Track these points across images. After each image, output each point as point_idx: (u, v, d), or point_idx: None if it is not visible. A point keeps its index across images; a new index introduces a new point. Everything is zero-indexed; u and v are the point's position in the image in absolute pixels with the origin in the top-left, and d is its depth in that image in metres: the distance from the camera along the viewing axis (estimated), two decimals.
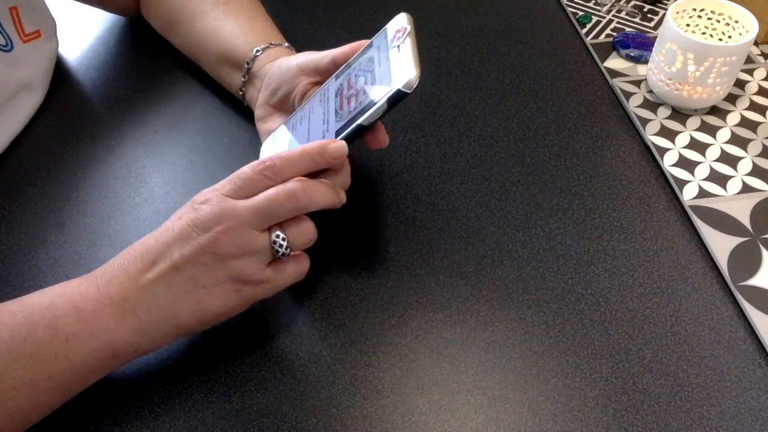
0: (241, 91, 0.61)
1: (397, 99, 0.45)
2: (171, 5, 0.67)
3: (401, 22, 0.49)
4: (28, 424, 0.41)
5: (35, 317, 0.40)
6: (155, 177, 0.60)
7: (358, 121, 0.47)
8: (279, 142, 0.54)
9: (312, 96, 0.54)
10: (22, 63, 0.62)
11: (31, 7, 0.63)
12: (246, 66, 0.59)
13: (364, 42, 0.52)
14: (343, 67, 0.53)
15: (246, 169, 0.44)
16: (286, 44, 0.61)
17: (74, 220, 0.56)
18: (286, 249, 0.44)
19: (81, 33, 0.76)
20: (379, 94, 0.46)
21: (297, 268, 0.46)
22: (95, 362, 0.41)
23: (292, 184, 0.44)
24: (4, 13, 0.60)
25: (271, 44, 0.60)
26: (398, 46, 0.48)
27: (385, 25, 0.51)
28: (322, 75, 0.54)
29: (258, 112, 0.59)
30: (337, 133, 0.48)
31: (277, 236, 0.44)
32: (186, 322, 0.43)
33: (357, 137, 0.48)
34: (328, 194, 0.46)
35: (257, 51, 0.59)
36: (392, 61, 0.47)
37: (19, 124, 0.63)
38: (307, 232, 0.45)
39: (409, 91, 0.45)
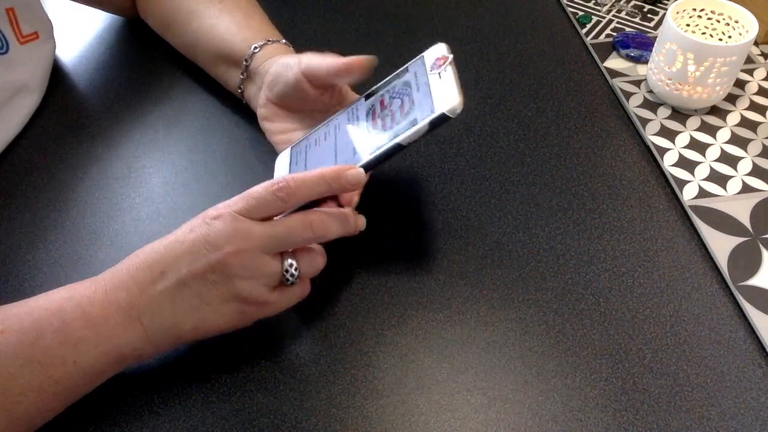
0: (240, 88, 0.61)
1: (438, 122, 0.47)
2: (166, 5, 0.67)
3: (441, 50, 0.51)
4: (33, 428, 0.41)
5: (43, 322, 0.40)
6: (155, 177, 0.60)
7: (397, 140, 0.47)
8: (298, 156, 0.54)
9: (338, 114, 0.55)
10: (18, 64, 0.62)
11: (28, 8, 0.63)
12: (244, 63, 0.59)
13: (363, 59, 0.52)
14: (373, 88, 0.54)
15: (260, 189, 0.44)
16: (284, 41, 0.61)
17: (74, 220, 0.56)
18: (296, 279, 0.44)
19: (79, 33, 0.76)
20: (421, 117, 0.47)
21: (301, 293, 0.47)
22: (101, 366, 0.41)
23: (310, 215, 0.45)
24: (1, 14, 0.60)
25: (269, 41, 0.60)
26: (439, 74, 0.49)
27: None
28: (329, 85, 0.55)
29: (261, 112, 0.58)
30: (372, 151, 0.48)
31: (290, 265, 0.44)
32: (187, 334, 0.43)
33: (391, 156, 0.48)
34: (342, 227, 0.47)
35: (255, 48, 0.59)
36: (433, 87, 0.49)
37: (16, 125, 0.63)
38: (317, 262, 0.46)
39: (452, 116, 0.46)
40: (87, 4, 0.72)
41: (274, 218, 0.45)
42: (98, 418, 0.44)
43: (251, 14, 0.64)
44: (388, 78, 0.54)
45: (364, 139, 0.50)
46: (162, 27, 0.69)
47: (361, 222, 0.49)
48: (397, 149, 0.48)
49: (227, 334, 0.48)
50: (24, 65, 0.63)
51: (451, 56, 0.50)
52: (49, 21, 0.67)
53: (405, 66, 0.53)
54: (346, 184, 0.46)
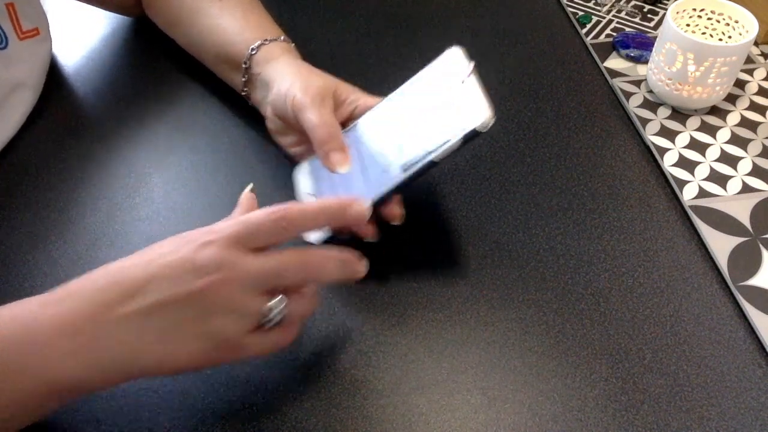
0: (244, 91, 0.61)
1: (471, 137, 0.45)
2: (172, 2, 0.66)
3: (458, 57, 0.49)
4: None
5: None
6: (155, 177, 0.60)
7: (430, 158, 0.46)
8: (320, 170, 0.52)
9: (357, 123, 0.53)
10: (17, 61, 0.61)
11: (29, 3, 0.62)
12: (243, 67, 0.58)
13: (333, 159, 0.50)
14: (391, 97, 0.52)
15: (260, 215, 0.40)
16: (282, 38, 0.60)
17: (74, 220, 0.56)
18: (278, 321, 0.40)
19: (79, 32, 0.76)
20: (452, 132, 0.46)
21: (281, 340, 0.41)
22: (40, 399, 0.36)
23: (308, 254, 0.41)
24: (1, 9, 0.60)
25: (266, 41, 0.58)
26: (462, 81, 0.47)
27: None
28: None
29: (270, 125, 0.57)
30: (405, 168, 0.47)
31: (275, 305, 0.40)
32: (147, 369, 0.38)
33: (424, 173, 0.47)
34: (341, 271, 0.43)
35: (252, 50, 0.58)
36: (458, 98, 0.47)
37: (15, 123, 0.62)
38: (306, 307, 0.42)
39: (484, 131, 0.45)
40: (88, 3, 0.72)
41: (271, 248, 0.41)
42: (98, 418, 0.44)
43: (250, 11, 0.63)
44: (404, 86, 0.52)
45: (392, 154, 0.49)
46: (167, 25, 0.68)
47: (361, 268, 0.44)
48: (431, 166, 0.47)
49: None
50: (23, 62, 0.62)
51: (472, 64, 0.48)
52: (46, 18, 0.66)
53: (420, 73, 0.51)
54: (350, 219, 0.44)
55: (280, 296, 0.40)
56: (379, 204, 0.49)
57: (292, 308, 0.41)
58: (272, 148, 0.60)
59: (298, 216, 0.41)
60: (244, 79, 0.59)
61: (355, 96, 0.54)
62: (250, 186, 0.47)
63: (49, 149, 0.62)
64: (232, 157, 0.61)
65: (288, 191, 0.56)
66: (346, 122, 0.54)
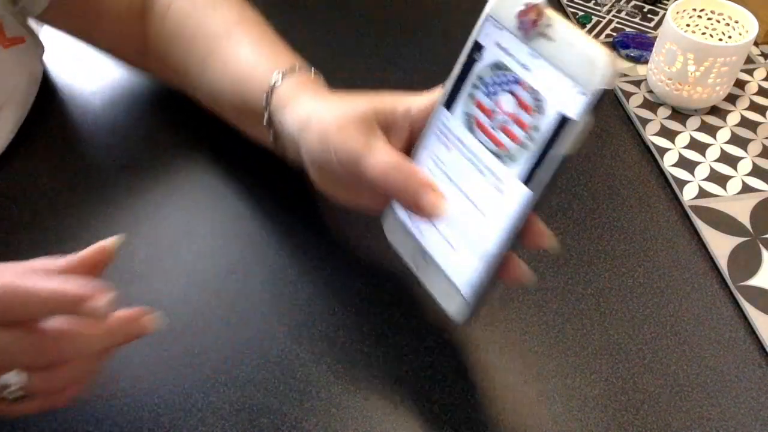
0: (277, 150, 0.50)
1: (597, 103, 0.33)
2: (174, 53, 0.57)
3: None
4: None
5: None
6: (155, 177, 0.60)
7: (562, 152, 0.33)
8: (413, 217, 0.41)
9: (426, 141, 0.40)
10: (3, 70, 0.60)
11: (14, 17, 0.61)
12: (265, 118, 0.48)
13: None
14: (447, 92, 0.39)
15: None
16: (297, 66, 0.49)
17: (74, 221, 0.56)
18: (20, 396, 0.35)
19: (74, 42, 0.76)
20: (569, 107, 0.33)
21: (28, 409, 0.36)
22: None
23: (50, 332, 0.34)
24: None
25: (278, 78, 0.47)
26: (544, 33, 0.33)
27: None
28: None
29: (320, 186, 0.46)
30: (529, 179, 0.35)
31: (6, 384, 0.34)
32: None
33: (559, 176, 0.34)
34: (111, 339, 0.36)
35: (266, 95, 0.47)
36: (553, 57, 0.33)
37: (8, 131, 0.60)
38: (56, 379, 0.35)
39: (612, 87, 0.33)
40: (88, 43, 0.67)
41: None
42: (98, 418, 0.44)
43: (259, 40, 0.53)
44: (457, 70, 0.38)
45: (499, 167, 0.36)
46: (180, 84, 0.60)
47: (146, 328, 0.36)
48: (562, 165, 0.34)
49: (227, 331, 0.48)
50: (9, 71, 0.61)
51: (541, 1, 0.33)
52: (31, 27, 0.64)
53: (473, 41, 0.37)
54: (91, 311, 0.33)
55: (12, 373, 0.34)
56: (516, 236, 0.37)
57: (39, 386, 0.35)
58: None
59: (24, 299, 0.33)
60: (271, 136, 0.49)
61: (402, 107, 0.41)
62: (115, 237, 0.37)
63: (49, 150, 0.62)
64: (231, 157, 0.61)
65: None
66: (410, 144, 0.41)
